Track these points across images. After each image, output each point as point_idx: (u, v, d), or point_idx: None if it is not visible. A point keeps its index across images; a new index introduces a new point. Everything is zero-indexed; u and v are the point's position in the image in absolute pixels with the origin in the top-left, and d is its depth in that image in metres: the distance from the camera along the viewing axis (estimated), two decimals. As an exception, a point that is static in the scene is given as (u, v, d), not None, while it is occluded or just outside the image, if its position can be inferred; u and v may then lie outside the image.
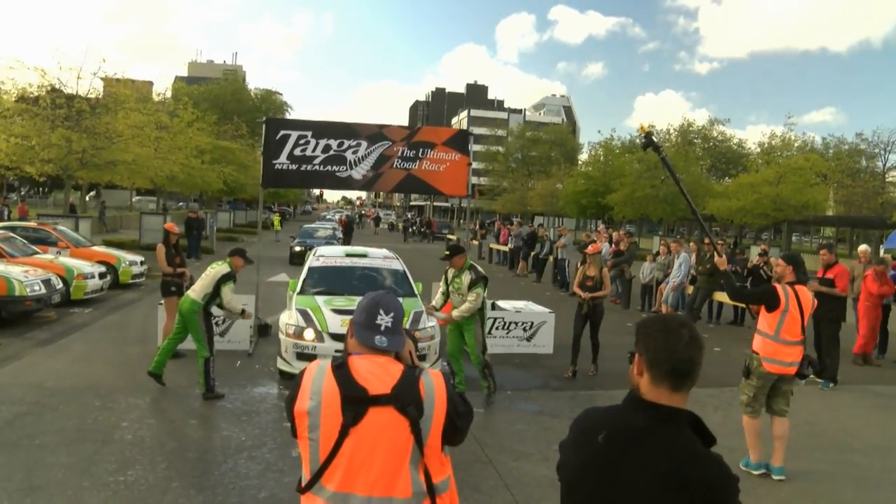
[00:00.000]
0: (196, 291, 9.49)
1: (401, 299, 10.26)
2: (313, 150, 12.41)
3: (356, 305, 3.09)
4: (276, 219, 48.15)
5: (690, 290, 17.24)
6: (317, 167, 12.41)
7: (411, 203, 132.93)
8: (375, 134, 12.68)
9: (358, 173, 12.58)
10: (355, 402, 2.76)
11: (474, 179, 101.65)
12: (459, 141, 13.15)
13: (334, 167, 12.47)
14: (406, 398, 2.77)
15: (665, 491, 2.21)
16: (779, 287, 7.32)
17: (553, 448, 8.14)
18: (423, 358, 10.21)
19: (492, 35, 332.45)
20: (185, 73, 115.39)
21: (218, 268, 9.61)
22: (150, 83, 52.59)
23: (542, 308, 14.02)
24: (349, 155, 12.51)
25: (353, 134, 12.58)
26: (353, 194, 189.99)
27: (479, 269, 9.90)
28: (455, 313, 9.59)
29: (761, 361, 7.25)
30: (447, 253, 9.92)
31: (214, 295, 9.45)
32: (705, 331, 16.42)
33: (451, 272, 9.93)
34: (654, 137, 7.17)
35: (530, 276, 27.72)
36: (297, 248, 28.25)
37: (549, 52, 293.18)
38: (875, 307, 13.59)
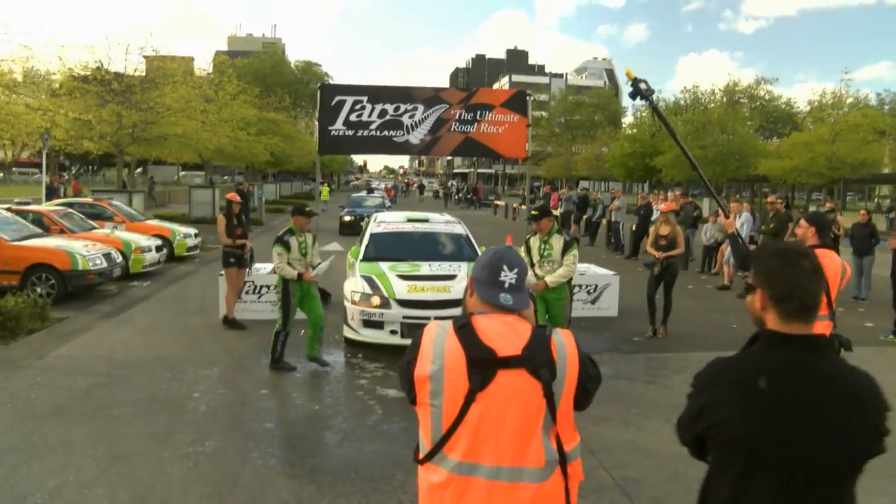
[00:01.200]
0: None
1: (465, 264, 10.10)
2: (369, 116, 12.22)
3: (476, 259, 2.88)
4: (324, 189, 48.20)
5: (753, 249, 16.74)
6: (373, 132, 12.22)
7: (454, 171, 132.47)
8: (432, 97, 12.44)
9: (415, 138, 12.36)
10: (483, 364, 2.52)
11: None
12: (518, 102, 12.87)
13: (391, 132, 12.27)
14: (538, 359, 2.54)
15: (849, 413, 2.18)
16: None
17: (632, 411, 8.02)
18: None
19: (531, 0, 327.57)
20: (224, 48, 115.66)
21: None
22: (192, 59, 52.75)
23: (605, 270, 13.73)
24: (406, 119, 12.30)
25: (409, 98, 12.35)
26: (395, 163, 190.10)
27: (567, 231, 9.53)
28: (551, 278, 8.77)
29: None
30: (535, 213, 9.03)
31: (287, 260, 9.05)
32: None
33: (535, 239, 9.00)
34: (643, 85, 6.28)
35: (583, 240, 27.33)
36: (347, 218, 28.15)
37: (589, 15, 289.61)
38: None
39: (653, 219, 22.51)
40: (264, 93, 53.07)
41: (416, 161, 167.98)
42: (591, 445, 6.66)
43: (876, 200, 51.47)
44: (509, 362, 2.53)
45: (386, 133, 12.25)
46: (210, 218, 26.26)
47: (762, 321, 2.32)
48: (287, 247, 8.95)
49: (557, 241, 8.83)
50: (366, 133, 12.22)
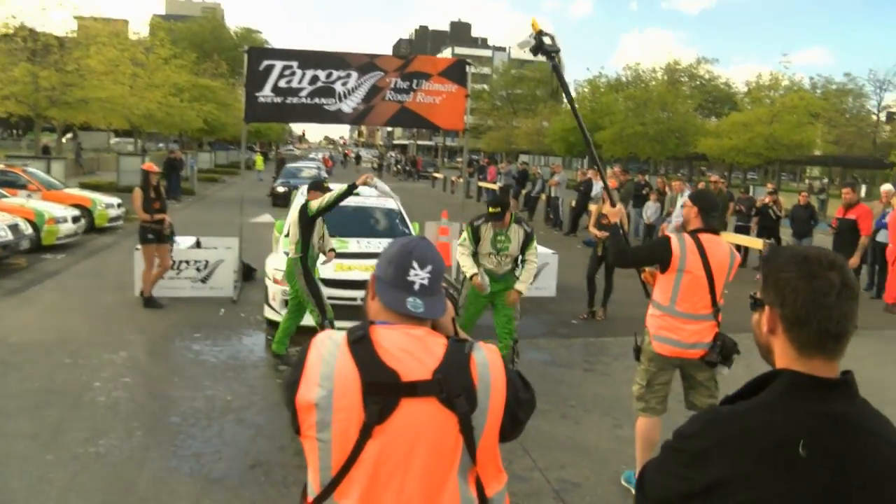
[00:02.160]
0: (290, 248, 7.98)
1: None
2: (300, 82, 11.45)
3: (381, 252, 2.28)
4: (258, 158, 46.92)
5: (695, 229, 16.47)
6: (303, 100, 11.46)
7: (394, 142, 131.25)
8: (367, 64, 11.72)
9: (348, 106, 11.65)
10: (383, 391, 1.95)
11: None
12: (456, 71, 12.22)
13: (322, 100, 11.53)
14: (454, 385, 1.97)
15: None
16: (674, 238, 5.03)
17: (570, 403, 7.58)
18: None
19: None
20: (162, 12, 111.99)
21: (293, 209, 8.13)
22: (126, 21, 50.70)
23: (544, 249, 13.26)
24: (338, 87, 11.56)
25: (342, 64, 11.62)
26: (335, 134, 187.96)
27: (525, 220, 8.43)
28: (522, 285, 7.60)
29: (651, 339, 5.24)
30: (494, 210, 7.46)
31: (308, 237, 7.84)
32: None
33: (488, 228, 7.62)
34: (547, 39, 5.24)
35: (522, 216, 26.91)
36: (281, 189, 27.25)
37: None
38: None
39: (592, 194, 22.25)
40: (201, 58, 51.42)
41: (356, 131, 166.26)
42: (526, 443, 6.17)
43: (807, 182, 52.27)
44: (416, 389, 1.96)
45: (317, 101, 11.50)
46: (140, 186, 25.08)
47: (769, 350, 1.77)
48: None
49: (517, 234, 7.63)
50: (295, 100, 11.45)
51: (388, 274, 2.14)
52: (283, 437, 6.07)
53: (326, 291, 8.82)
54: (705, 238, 4.99)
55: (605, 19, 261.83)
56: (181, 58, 38.48)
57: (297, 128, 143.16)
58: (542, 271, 12.40)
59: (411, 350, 2.00)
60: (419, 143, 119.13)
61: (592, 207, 22.52)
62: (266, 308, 9.30)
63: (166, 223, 10.62)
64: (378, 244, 9.93)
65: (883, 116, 50.80)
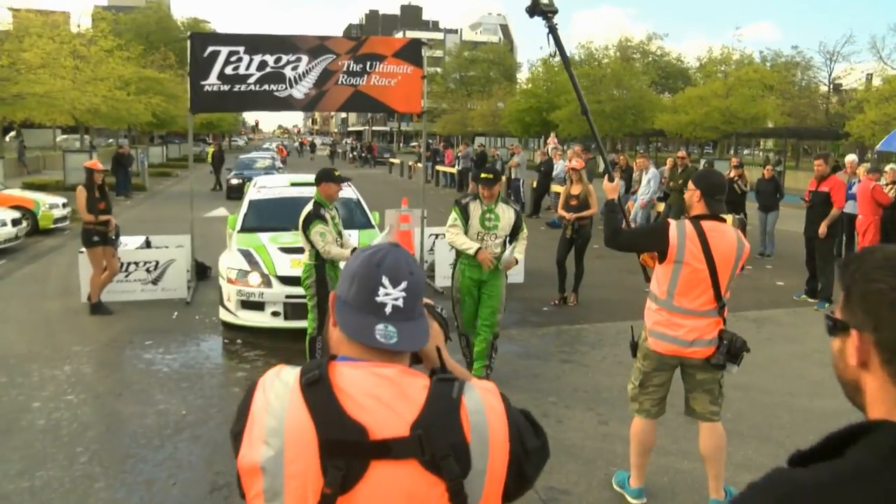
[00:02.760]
0: (304, 253, 7.20)
1: (355, 232, 8.94)
2: (247, 68, 10.85)
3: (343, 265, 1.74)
4: (210, 150, 45.74)
5: (661, 207, 16.18)
6: (252, 87, 10.87)
7: (349, 129, 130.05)
8: (317, 47, 11.15)
9: (299, 92, 11.08)
10: (346, 451, 1.46)
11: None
12: (411, 52, 11.71)
13: (272, 86, 10.95)
14: (439, 443, 1.47)
15: None
16: (672, 226, 4.52)
17: (550, 399, 7.13)
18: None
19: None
20: (105, 3, 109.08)
21: (303, 211, 7.14)
22: (67, 14, 48.99)
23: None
24: (288, 71, 10.98)
25: (291, 48, 11.03)
26: (290, 122, 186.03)
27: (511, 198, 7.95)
28: (520, 255, 7.30)
29: (647, 335, 4.75)
30: (488, 176, 7.00)
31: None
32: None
33: (476, 206, 7.10)
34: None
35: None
36: (234, 181, 26.40)
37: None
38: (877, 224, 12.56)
39: (554, 174, 21.89)
40: (148, 50, 49.99)
41: (310, 119, 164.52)
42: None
43: (762, 154, 52.45)
44: (390, 449, 1.47)
45: (266, 87, 10.90)
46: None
47: (857, 390, 1.24)
48: (325, 221, 7.03)
49: (506, 212, 7.13)
50: (244, 87, 10.84)
51: (350, 294, 1.62)
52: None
53: (283, 290, 8.30)
54: (709, 226, 4.43)
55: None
56: (126, 49, 37.19)
57: (250, 117, 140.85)
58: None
59: (382, 396, 1.50)
60: (374, 128, 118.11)
61: (556, 188, 22.30)
62: (221, 310, 8.71)
63: (112, 225, 9.96)
64: (340, 236, 9.39)
65: (851, 83, 51.11)
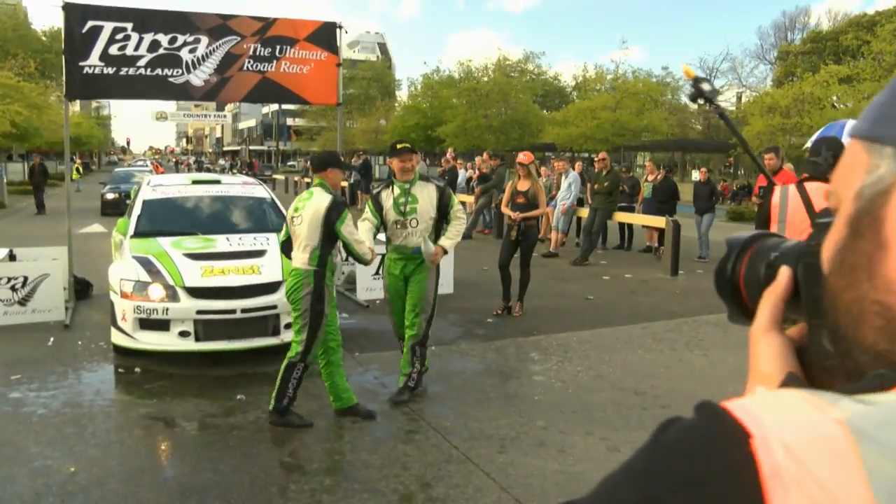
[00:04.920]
0: (298, 255, 5.56)
1: (273, 235, 7.52)
2: (136, 48, 9.22)
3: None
4: (74, 166, 42.56)
5: (583, 212, 15.29)
6: (142, 71, 9.25)
7: (224, 149, 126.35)
8: (219, 27, 9.66)
9: (198, 78, 9.54)
10: None
11: (290, 121, 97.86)
12: (325, 35, 10.38)
13: (166, 70, 9.36)
14: None
15: None
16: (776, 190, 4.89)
17: (539, 424, 5.88)
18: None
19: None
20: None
21: (312, 200, 5.56)
22: None
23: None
24: (185, 54, 9.43)
25: (189, 26, 9.49)
26: (161, 142, 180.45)
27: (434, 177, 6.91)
28: (447, 241, 6.18)
29: None
30: (405, 145, 6.24)
31: (330, 246, 5.57)
32: (601, 258, 14.63)
33: (388, 194, 6.21)
34: (705, 86, 3.99)
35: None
36: (110, 196, 24.17)
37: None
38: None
39: (459, 181, 20.97)
40: (2, 58, 46.26)
41: (184, 139, 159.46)
42: (513, 489, 4.45)
43: (646, 163, 53.36)
44: None
45: (159, 72, 9.28)
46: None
47: None
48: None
49: (425, 191, 6.15)
50: (132, 71, 9.18)
51: None
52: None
53: (193, 304, 6.77)
54: (812, 187, 3.67)
55: (433, 20, 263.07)
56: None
57: (119, 137, 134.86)
58: (438, 266, 10.69)
59: None
60: (251, 147, 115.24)
61: (462, 198, 21.26)
62: (114, 332, 7.01)
63: None
64: (253, 241, 7.88)
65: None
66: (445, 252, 6.20)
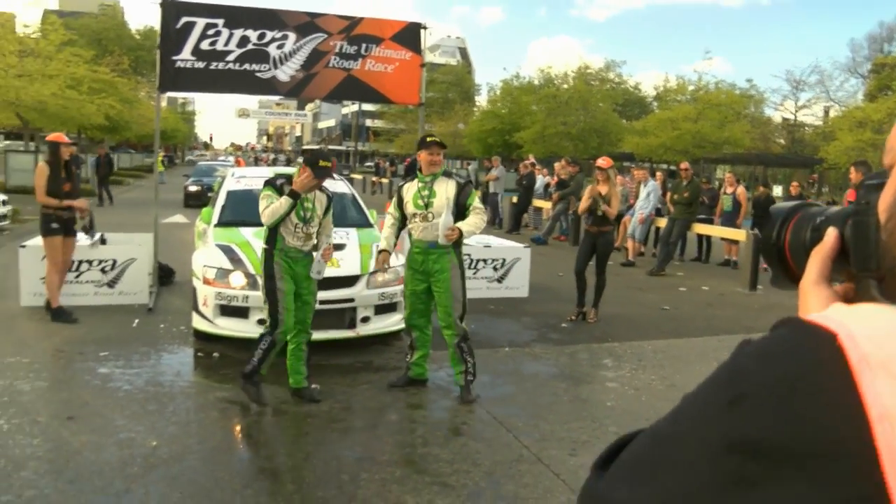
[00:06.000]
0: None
1: (354, 230, 7.65)
2: (226, 44, 9.45)
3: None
4: (159, 158, 43.79)
5: (661, 222, 15.08)
6: (231, 65, 9.48)
7: (303, 147, 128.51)
8: (306, 24, 9.83)
9: (284, 73, 9.71)
10: None
11: (368, 122, 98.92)
12: (410, 36, 10.47)
13: (254, 65, 9.56)
14: None
15: None
16: None
17: (611, 430, 5.54)
18: (389, 309, 7.56)
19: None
20: (55, 7, 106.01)
21: None
22: (13, 14, 46.71)
23: (512, 242, 11.66)
24: (273, 50, 9.62)
25: (277, 23, 9.69)
26: (242, 139, 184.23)
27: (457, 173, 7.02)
28: (465, 227, 6.04)
29: None
30: (435, 139, 6.35)
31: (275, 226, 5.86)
32: (677, 269, 14.39)
33: (410, 187, 6.33)
34: None
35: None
36: (193, 188, 24.95)
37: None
38: None
39: (537, 186, 20.90)
40: (100, 55, 47.89)
41: (265, 137, 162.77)
42: (573, 482, 4.40)
43: (726, 175, 52.30)
44: None
45: (247, 66, 9.51)
46: (31, 187, 22.37)
47: None
48: (279, 192, 5.86)
49: (445, 185, 6.20)
50: (221, 66, 9.43)
51: None
52: (242, 498, 4.13)
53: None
54: None
55: (514, 26, 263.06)
56: (76, 45, 35.22)
57: (202, 133, 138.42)
58: (512, 268, 10.72)
59: None
60: (330, 147, 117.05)
61: (539, 203, 21.17)
62: (195, 316, 7.22)
63: (85, 210, 8.51)
64: (338, 234, 8.00)
65: (801, 116, 51.36)
66: (461, 234, 6.05)
